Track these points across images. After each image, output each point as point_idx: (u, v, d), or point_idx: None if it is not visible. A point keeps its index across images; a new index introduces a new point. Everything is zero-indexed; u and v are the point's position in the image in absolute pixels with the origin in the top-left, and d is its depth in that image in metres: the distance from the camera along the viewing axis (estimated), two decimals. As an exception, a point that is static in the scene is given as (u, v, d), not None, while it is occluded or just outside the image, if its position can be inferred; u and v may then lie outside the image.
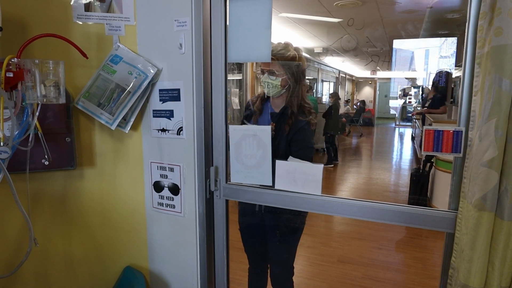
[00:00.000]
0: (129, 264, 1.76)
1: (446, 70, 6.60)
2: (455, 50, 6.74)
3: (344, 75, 12.51)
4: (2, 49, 1.37)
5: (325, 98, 11.19)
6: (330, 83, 11.29)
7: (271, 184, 1.48)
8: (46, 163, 1.37)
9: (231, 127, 1.52)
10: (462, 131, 1.13)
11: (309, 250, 2.92)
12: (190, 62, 1.51)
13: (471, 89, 1.09)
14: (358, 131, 10.90)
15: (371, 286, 2.49)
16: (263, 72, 1.64)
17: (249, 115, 1.79)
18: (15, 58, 1.12)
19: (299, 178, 1.42)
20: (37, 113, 1.19)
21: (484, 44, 1.01)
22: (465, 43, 1.12)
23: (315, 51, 8.16)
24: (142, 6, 1.56)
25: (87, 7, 1.52)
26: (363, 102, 13.72)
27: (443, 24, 4.74)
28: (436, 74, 6.51)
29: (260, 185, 1.51)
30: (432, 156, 3.85)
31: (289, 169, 1.43)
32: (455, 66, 6.76)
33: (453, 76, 6.44)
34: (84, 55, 1.33)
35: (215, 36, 1.47)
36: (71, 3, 1.50)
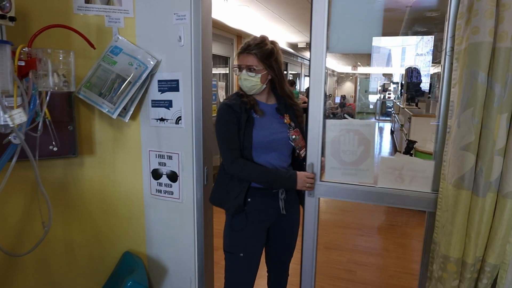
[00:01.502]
0: (128, 250, 1.81)
1: (414, 66, 6.95)
2: (432, 48, 7.02)
3: (326, 70, 12.71)
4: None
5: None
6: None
7: (372, 182, 1.42)
8: (55, 149, 1.40)
9: (328, 121, 1.43)
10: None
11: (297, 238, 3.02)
12: (189, 54, 1.58)
13: (449, 82, 1.21)
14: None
15: (356, 270, 2.63)
16: (240, 69, 1.47)
17: (250, 118, 1.46)
18: (27, 48, 1.16)
19: (407, 175, 1.36)
20: (46, 100, 1.22)
21: (462, 41, 1.13)
22: (444, 40, 1.24)
23: (299, 46, 8.29)
24: (141, -1, 1.61)
25: (88, -1, 1.56)
26: (343, 97, 13.99)
27: (422, 23, 4.93)
28: (406, 70, 6.86)
29: (359, 183, 1.43)
30: (411, 148, 4.04)
31: (396, 166, 1.37)
32: (432, 63, 7.04)
33: (431, 72, 6.72)
34: (92, 45, 1.37)
35: (315, 24, 1.37)
36: (72, -6, 1.53)
